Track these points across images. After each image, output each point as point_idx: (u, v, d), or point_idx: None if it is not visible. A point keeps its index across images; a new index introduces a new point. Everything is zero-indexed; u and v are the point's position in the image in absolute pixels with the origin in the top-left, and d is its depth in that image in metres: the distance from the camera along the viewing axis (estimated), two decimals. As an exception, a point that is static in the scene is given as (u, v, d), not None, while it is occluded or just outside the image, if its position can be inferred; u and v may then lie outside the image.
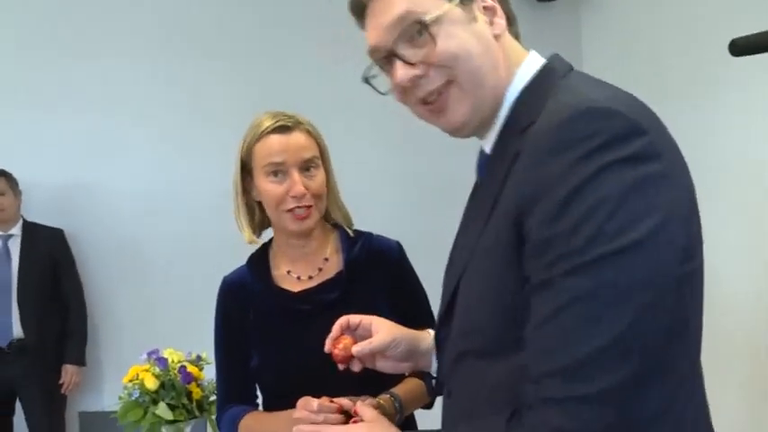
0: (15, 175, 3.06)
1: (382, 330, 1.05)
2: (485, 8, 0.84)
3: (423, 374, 1.21)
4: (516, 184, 0.75)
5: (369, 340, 1.04)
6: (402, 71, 0.83)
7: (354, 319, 1.07)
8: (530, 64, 0.86)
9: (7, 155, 3.05)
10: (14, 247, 3.02)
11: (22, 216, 3.08)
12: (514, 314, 0.74)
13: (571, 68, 0.86)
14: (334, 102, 2.90)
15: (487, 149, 0.87)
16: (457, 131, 0.87)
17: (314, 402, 1.07)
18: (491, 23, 0.84)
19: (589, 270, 0.68)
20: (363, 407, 0.99)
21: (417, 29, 0.81)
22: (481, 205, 0.83)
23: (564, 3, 3.60)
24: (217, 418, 1.42)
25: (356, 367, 1.07)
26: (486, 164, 0.87)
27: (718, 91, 2.68)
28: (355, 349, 1.04)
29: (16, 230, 3.05)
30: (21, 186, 3.08)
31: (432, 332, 1.08)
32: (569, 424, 0.67)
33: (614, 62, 3.38)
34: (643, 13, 3.15)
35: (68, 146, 3.19)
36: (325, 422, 1.06)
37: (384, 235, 1.44)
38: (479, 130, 0.88)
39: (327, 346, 1.08)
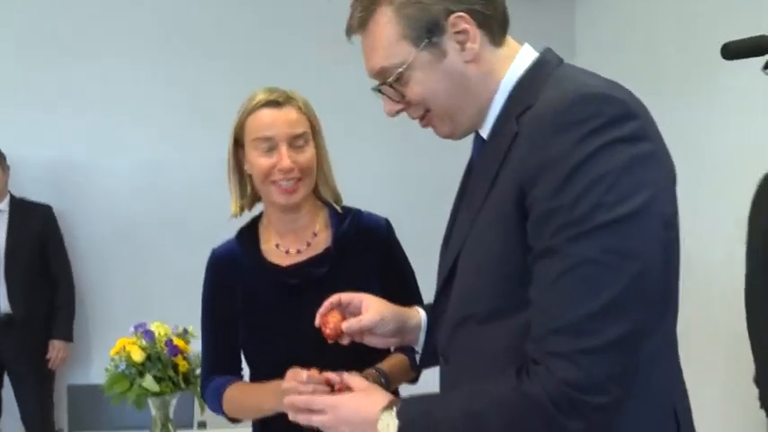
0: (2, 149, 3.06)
1: (372, 308, 1.08)
2: (457, 32, 0.88)
3: (406, 350, 1.24)
4: (519, 162, 0.82)
5: (358, 318, 1.07)
6: (388, 106, 0.95)
7: (345, 297, 1.10)
8: (523, 57, 0.92)
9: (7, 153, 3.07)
10: (2, 223, 3.02)
11: (10, 192, 3.08)
12: (515, 281, 0.82)
13: (562, 61, 0.93)
14: (335, 102, 2.90)
15: (484, 135, 0.93)
16: (449, 138, 0.96)
17: (303, 373, 1.09)
18: (463, 49, 0.88)
19: (590, 237, 0.75)
20: (351, 377, 1.01)
21: (392, 79, 0.90)
22: (478, 184, 0.90)
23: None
24: (201, 388, 1.44)
25: (345, 341, 1.10)
26: (482, 147, 0.94)
27: (712, 85, 2.69)
28: (345, 326, 1.07)
29: (3, 206, 3.04)
30: (10, 163, 3.07)
31: (419, 309, 1.13)
32: (576, 374, 0.75)
33: (608, 56, 3.38)
34: (637, 7, 3.15)
35: (57, 125, 3.20)
36: (314, 393, 1.08)
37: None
38: (474, 128, 0.95)
39: (317, 321, 1.10)
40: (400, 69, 0.89)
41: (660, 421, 0.86)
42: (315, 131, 1.36)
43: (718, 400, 2.64)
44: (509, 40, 0.94)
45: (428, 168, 3.35)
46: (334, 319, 1.09)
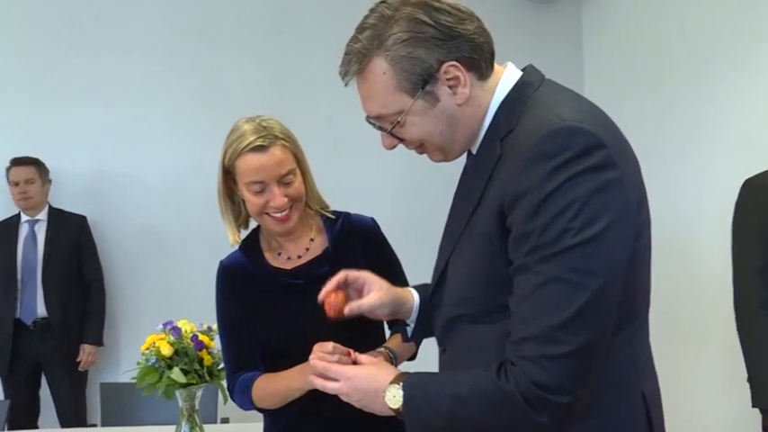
0: (47, 164, 3.25)
1: (373, 292, 1.18)
2: (449, 79, 0.95)
3: (400, 325, 1.36)
4: (501, 183, 0.92)
5: (359, 303, 1.18)
6: (386, 141, 1.04)
7: (352, 275, 1.21)
8: (507, 79, 1.00)
9: (38, 145, 3.24)
10: (40, 232, 3.20)
11: (49, 203, 3.27)
12: (498, 287, 0.93)
13: (543, 78, 1.02)
14: (349, 94, 3.01)
15: (474, 151, 1.04)
16: (443, 162, 1.06)
17: (329, 344, 1.21)
18: (455, 93, 0.96)
19: (558, 258, 0.86)
20: (361, 355, 1.14)
21: (390, 126, 1.00)
22: (468, 197, 1.01)
23: (565, 3, 3.68)
24: (228, 389, 1.55)
25: (345, 311, 1.20)
26: (472, 162, 1.05)
27: (716, 90, 2.77)
28: (347, 310, 1.18)
29: (42, 216, 3.23)
30: (50, 175, 3.26)
31: (413, 293, 1.24)
32: (543, 377, 0.86)
33: (615, 61, 3.46)
34: (644, 13, 3.22)
35: (94, 139, 3.38)
36: (339, 362, 1.19)
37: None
38: (466, 149, 1.05)
39: (321, 297, 1.21)
40: (398, 118, 0.98)
41: (628, 405, 0.96)
42: (300, 162, 1.47)
43: (716, 396, 2.70)
44: (494, 72, 1.00)
45: (437, 168, 3.44)
46: (337, 299, 1.20)
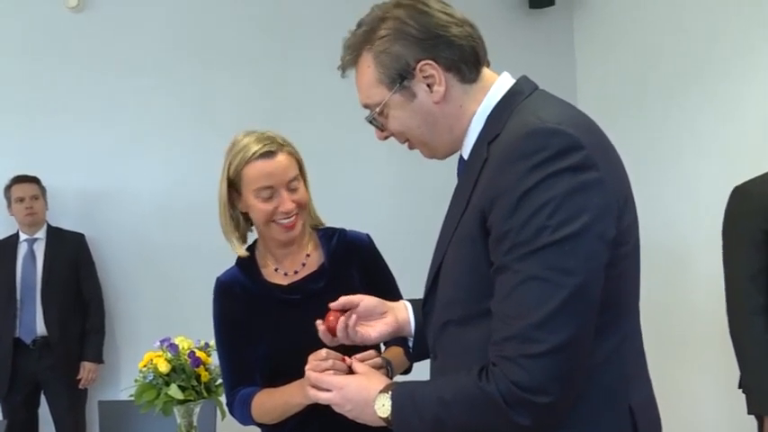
0: (44, 182, 3.27)
1: (379, 326, 1.23)
2: (425, 77, 1.00)
3: (401, 342, 1.38)
4: (484, 185, 0.94)
5: (362, 335, 1.22)
6: (377, 133, 1.10)
7: (349, 299, 1.24)
8: (498, 87, 1.03)
9: (35, 163, 3.26)
10: (39, 251, 3.21)
11: (47, 221, 3.28)
12: (483, 290, 0.93)
13: (536, 88, 1.04)
14: (343, 108, 3.05)
15: (465, 156, 1.06)
16: (433, 159, 1.10)
17: (322, 351, 1.24)
18: (431, 91, 1.01)
19: (535, 256, 0.86)
20: (357, 363, 1.16)
21: (372, 116, 1.07)
22: (458, 202, 1.02)
23: (557, 9, 3.70)
24: (228, 404, 1.56)
25: (346, 340, 1.23)
26: (462, 168, 1.07)
27: (707, 97, 2.80)
28: (345, 334, 1.21)
29: (41, 234, 3.24)
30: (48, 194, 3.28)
31: (406, 302, 1.27)
32: (522, 376, 0.86)
33: (607, 68, 3.49)
34: (635, 20, 3.25)
35: (91, 156, 3.39)
36: (333, 368, 1.23)
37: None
38: (454, 151, 1.08)
39: (319, 322, 1.24)
40: (378, 108, 1.04)
41: (613, 417, 0.94)
42: (301, 169, 1.51)
43: (710, 403, 2.70)
44: (486, 73, 1.04)
45: (429, 180, 3.45)
46: (336, 320, 1.22)
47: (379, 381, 1.04)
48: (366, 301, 1.24)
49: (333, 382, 1.07)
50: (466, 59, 1.01)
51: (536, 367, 0.85)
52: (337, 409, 1.07)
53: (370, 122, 1.08)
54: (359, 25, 1.06)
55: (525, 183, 0.87)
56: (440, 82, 1.00)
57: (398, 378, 1.48)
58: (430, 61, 0.99)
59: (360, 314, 1.23)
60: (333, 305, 1.23)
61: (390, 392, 0.98)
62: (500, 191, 0.90)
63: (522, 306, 0.87)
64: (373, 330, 1.23)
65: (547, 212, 0.86)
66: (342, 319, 1.21)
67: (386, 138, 1.10)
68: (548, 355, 0.85)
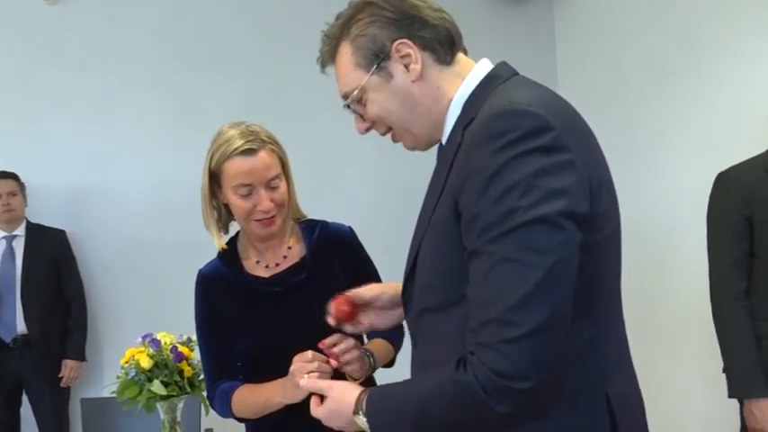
0: (25, 179, 3.22)
1: (372, 286, 1.23)
2: (401, 57, 1.01)
3: (388, 336, 1.36)
4: (457, 169, 0.93)
5: (357, 291, 1.22)
6: (358, 124, 1.09)
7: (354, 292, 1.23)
8: (476, 72, 1.02)
9: (15, 160, 3.21)
10: (18, 248, 3.16)
11: (27, 218, 3.23)
12: (458, 275, 0.91)
13: (514, 74, 1.02)
14: (324, 106, 3.04)
15: (443, 141, 1.04)
16: (415, 150, 1.09)
17: (308, 353, 1.24)
18: (408, 70, 1.01)
19: (507, 238, 0.84)
20: (313, 380, 1.15)
21: (350, 101, 1.06)
22: (434, 188, 1.01)
23: (538, 1, 3.71)
24: (208, 397, 1.55)
25: (349, 328, 1.23)
26: (440, 154, 1.06)
27: (687, 85, 2.82)
28: (349, 294, 1.20)
29: (20, 231, 3.19)
30: (27, 190, 3.23)
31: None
32: (501, 362, 0.83)
33: (587, 59, 3.51)
34: (615, 11, 3.28)
35: (72, 153, 3.35)
36: (318, 370, 1.25)
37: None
38: (435, 140, 1.06)
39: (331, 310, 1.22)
40: (356, 92, 1.04)
41: (590, 406, 0.93)
42: (284, 167, 1.49)
43: (695, 389, 2.73)
44: (462, 58, 1.05)
45: (413, 175, 3.46)
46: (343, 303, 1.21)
47: (351, 397, 1.01)
48: (387, 293, 1.22)
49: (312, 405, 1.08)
50: (441, 40, 1.02)
51: (515, 351, 0.83)
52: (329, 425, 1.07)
53: (350, 109, 1.07)
54: (336, 18, 1.06)
55: (494, 163, 0.86)
56: (416, 60, 1.00)
57: (382, 374, 1.48)
58: (405, 40, 1.00)
59: (378, 306, 1.22)
60: (350, 293, 1.21)
61: (363, 410, 0.98)
62: (469, 172, 0.89)
63: (497, 289, 0.84)
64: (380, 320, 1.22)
65: (517, 193, 0.84)
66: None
67: (367, 129, 1.08)
68: (526, 337, 0.83)
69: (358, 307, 1.21)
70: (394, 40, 1.00)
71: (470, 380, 0.86)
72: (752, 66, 2.54)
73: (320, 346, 1.28)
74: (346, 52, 1.04)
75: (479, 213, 0.86)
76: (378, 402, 0.98)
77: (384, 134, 1.08)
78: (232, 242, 1.57)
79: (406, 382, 1.01)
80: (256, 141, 1.42)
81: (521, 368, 0.83)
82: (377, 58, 1.01)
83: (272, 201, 1.43)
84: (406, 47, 1.00)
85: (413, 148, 1.09)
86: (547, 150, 0.86)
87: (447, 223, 0.93)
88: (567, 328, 0.86)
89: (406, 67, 1.01)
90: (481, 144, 0.88)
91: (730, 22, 2.63)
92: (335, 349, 1.27)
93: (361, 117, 1.07)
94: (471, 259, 0.89)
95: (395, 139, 1.09)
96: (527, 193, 0.84)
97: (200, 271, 1.56)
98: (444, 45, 1.02)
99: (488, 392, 0.85)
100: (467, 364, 0.87)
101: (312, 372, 1.23)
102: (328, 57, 1.07)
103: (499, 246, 0.85)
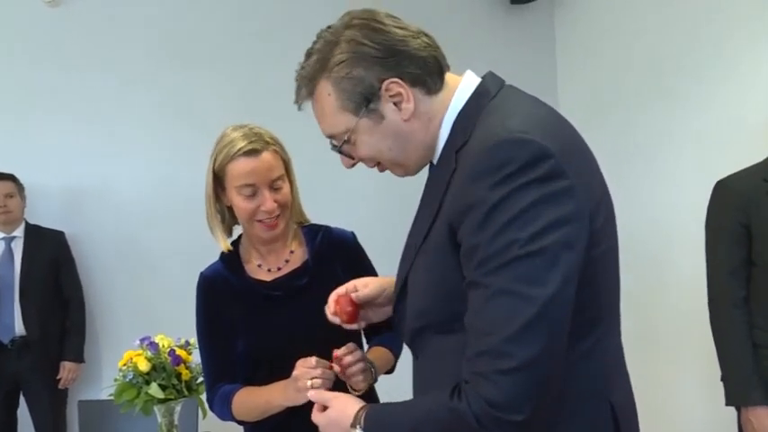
0: (24, 180, 3.21)
1: (373, 282, 1.23)
2: (392, 96, 0.96)
3: (385, 343, 1.37)
4: (452, 197, 0.92)
5: (361, 290, 1.21)
6: (345, 161, 1.06)
7: (351, 285, 1.23)
8: (464, 88, 1.00)
9: (13, 161, 3.20)
10: (17, 249, 3.15)
11: (25, 219, 3.23)
12: (456, 298, 0.92)
13: (502, 85, 1.01)
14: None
15: (434, 162, 1.03)
16: (405, 176, 1.07)
17: (312, 359, 1.24)
18: (399, 109, 0.97)
19: (505, 270, 0.85)
20: (320, 392, 1.15)
21: (340, 145, 1.02)
22: (427, 210, 1.00)
23: (538, 5, 3.71)
24: (208, 400, 1.55)
25: (354, 326, 1.23)
26: (432, 175, 1.05)
27: (688, 91, 2.83)
28: (353, 294, 1.20)
29: (19, 232, 3.18)
30: (26, 191, 3.23)
31: None
32: (495, 393, 0.84)
33: (587, 63, 3.52)
34: (616, 15, 3.28)
35: (70, 154, 3.34)
36: (322, 376, 1.25)
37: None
38: (426, 162, 1.05)
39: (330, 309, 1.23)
40: (345, 137, 1.00)
41: (594, 415, 0.94)
42: (288, 168, 1.49)
43: (692, 396, 2.73)
44: (448, 78, 1.01)
45: (417, 177, 3.48)
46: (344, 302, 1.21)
47: (348, 413, 1.02)
48: (387, 291, 1.22)
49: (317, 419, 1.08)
50: (430, 71, 0.98)
51: (508, 383, 0.83)
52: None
53: (338, 152, 1.03)
54: (308, 55, 1.01)
55: (493, 196, 0.86)
56: (408, 99, 0.97)
57: (382, 378, 1.48)
58: (395, 79, 0.96)
59: (377, 304, 1.22)
60: (353, 295, 1.21)
61: (359, 427, 0.98)
62: (468, 205, 0.88)
63: (493, 321, 0.85)
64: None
65: (516, 225, 0.84)
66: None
67: (353, 165, 1.06)
68: (520, 369, 0.83)
69: (360, 306, 1.22)
70: (383, 80, 0.96)
71: (464, 408, 0.86)
72: (752, 69, 2.55)
73: (334, 356, 1.29)
74: (329, 94, 0.99)
75: (479, 245, 0.87)
76: (374, 419, 0.98)
77: (372, 167, 1.06)
78: (234, 245, 1.57)
79: (403, 403, 1.02)
80: (260, 142, 1.43)
81: (514, 400, 0.84)
82: (366, 101, 0.97)
83: (275, 202, 1.43)
84: (396, 86, 0.96)
85: (403, 176, 1.07)
86: (545, 180, 0.86)
87: (444, 251, 0.93)
88: (562, 358, 0.87)
89: (397, 105, 0.97)
90: (480, 177, 0.88)
91: (730, 26, 2.64)
92: (344, 360, 1.28)
93: (346, 157, 1.04)
94: (470, 289, 0.89)
95: (382, 170, 1.06)
96: (526, 226, 0.84)
97: (201, 273, 1.56)
98: (434, 75, 0.99)
99: (481, 422, 0.85)
100: (461, 392, 0.88)
101: (316, 378, 1.24)
102: (305, 98, 1.03)
103: (497, 278, 0.85)
